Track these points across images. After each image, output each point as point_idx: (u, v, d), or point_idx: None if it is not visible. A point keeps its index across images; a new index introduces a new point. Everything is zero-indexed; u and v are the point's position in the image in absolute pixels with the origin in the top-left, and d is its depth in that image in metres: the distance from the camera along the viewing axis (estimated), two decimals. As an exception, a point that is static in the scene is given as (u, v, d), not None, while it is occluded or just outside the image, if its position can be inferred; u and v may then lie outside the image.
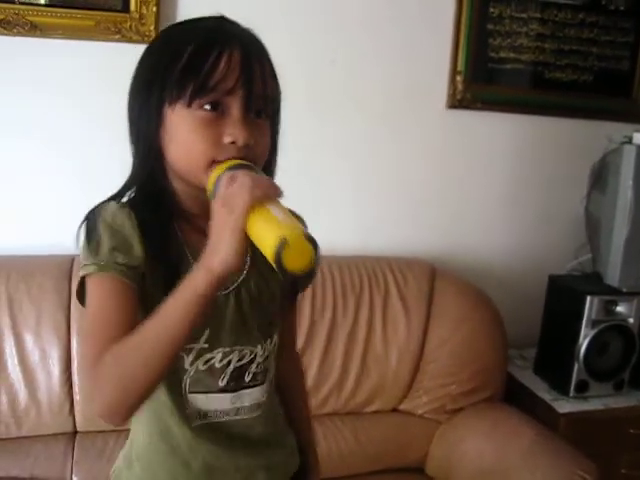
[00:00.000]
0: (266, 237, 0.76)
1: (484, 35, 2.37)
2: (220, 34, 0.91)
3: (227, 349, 0.97)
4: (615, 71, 2.59)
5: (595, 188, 2.40)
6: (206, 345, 0.94)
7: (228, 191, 0.79)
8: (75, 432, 1.84)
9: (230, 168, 0.84)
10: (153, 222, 0.91)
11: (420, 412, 2.07)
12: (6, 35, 1.87)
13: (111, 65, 1.93)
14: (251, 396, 1.01)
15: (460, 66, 2.34)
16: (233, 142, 0.87)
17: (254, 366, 1.00)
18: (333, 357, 2.01)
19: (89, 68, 1.95)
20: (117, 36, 1.89)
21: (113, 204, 0.92)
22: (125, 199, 0.96)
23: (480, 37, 2.36)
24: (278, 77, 0.95)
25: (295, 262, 0.75)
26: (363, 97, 2.24)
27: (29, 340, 1.80)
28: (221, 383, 0.98)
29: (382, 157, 2.32)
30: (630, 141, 2.25)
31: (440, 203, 2.41)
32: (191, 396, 0.97)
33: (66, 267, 1.85)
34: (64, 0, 1.85)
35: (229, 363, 0.97)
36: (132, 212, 0.90)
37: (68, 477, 1.76)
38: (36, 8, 1.84)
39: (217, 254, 0.78)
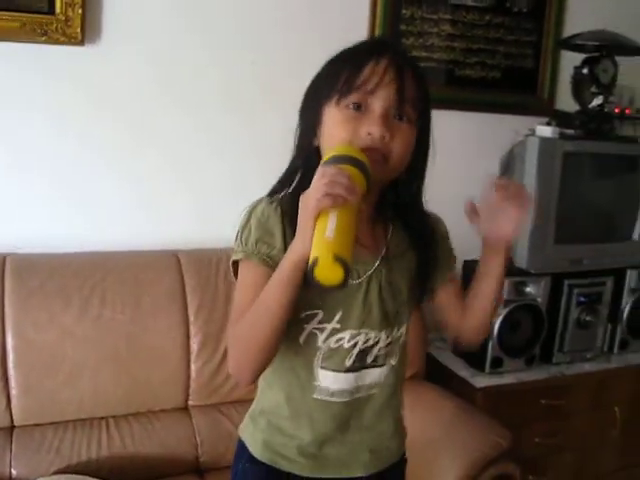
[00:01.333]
0: (312, 247, 0.88)
1: (397, 35, 2.49)
2: (373, 45, 1.07)
3: (355, 331, 1.08)
4: (520, 68, 2.77)
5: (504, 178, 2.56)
6: (338, 325, 1.07)
7: (309, 188, 0.91)
8: (13, 426, 1.86)
9: (335, 158, 0.94)
10: (295, 215, 0.97)
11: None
12: None
13: (38, 66, 1.97)
14: (371, 376, 1.13)
15: (376, 65, 2.46)
16: (370, 134, 0.99)
17: (376, 349, 1.11)
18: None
19: (16, 69, 1.97)
20: (43, 38, 1.91)
21: (265, 200, 1.06)
22: (283, 193, 1.08)
23: (394, 37, 2.47)
24: (427, 90, 1.07)
25: (324, 279, 0.87)
26: (283, 97, 2.33)
27: (-38, 337, 1.82)
28: (348, 362, 1.09)
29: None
30: (534, 133, 2.42)
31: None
32: (322, 372, 1.10)
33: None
34: (-11, 2, 1.86)
35: (356, 345, 1.09)
36: (279, 207, 1.04)
37: (7, 471, 1.78)
38: (-40, 10, 1.85)
39: (295, 242, 0.93)
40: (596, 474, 2.71)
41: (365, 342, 1.10)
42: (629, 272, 2.63)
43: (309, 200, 0.90)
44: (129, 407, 1.97)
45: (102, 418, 1.93)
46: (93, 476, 1.78)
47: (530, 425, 2.42)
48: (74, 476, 1.76)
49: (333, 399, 1.11)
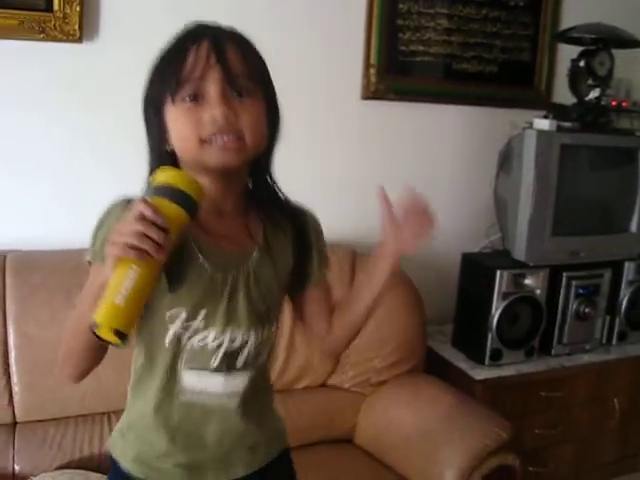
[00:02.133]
0: (100, 303, 0.84)
1: (394, 30, 2.51)
2: (189, 34, 1.01)
3: (219, 329, 1.03)
4: (517, 62, 2.78)
5: (502, 171, 2.58)
6: (202, 323, 1.02)
7: (121, 225, 0.85)
8: (15, 423, 1.87)
9: (158, 188, 0.88)
10: None
11: (347, 386, 2.20)
12: None
13: (36, 64, 1.98)
14: (243, 379, 1.08)
15: (373, 59, 2.47)
16: (214, 118, 0.95)
17: (246, 351, 1.06)
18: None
19: (14, 66, 1.97)
20: (41, 35, 1.91)
21: (122, 203, 1.00)
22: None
23: (391, 32, 2.50)
24: (260, 59, 1.04)
25: (105, 337, 0.84)
26: (280, 91, 2.34)
27: (-36, 334, 1.82)
28: (214, 363, 1.04)
29: (300, 147, 2.41)
30: (531, 126, 2.43)
31: (357, 189, 2.52)
32: (185, 373, 1.05)
33: (0, 262, 1.89)
34: (-13, 0, 1.86)
35: (221, 345, 1.04)
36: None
37: (10, 466, 1.79)
38: (-42, 7, 1.85)
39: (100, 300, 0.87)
40: (596, 464, 2.73)
41: (232, 342, 1.04)
42: (627, 264, 2.65)
43: (114, 242, 0.84)
44: (131, 402, 1.98)
45: (104, 413, 1.94)
46: (95, 471, 1.79)
47: (530, 417, 2.44)
48: (76, 471, 1.78)
49: (201, 399, 1.06)
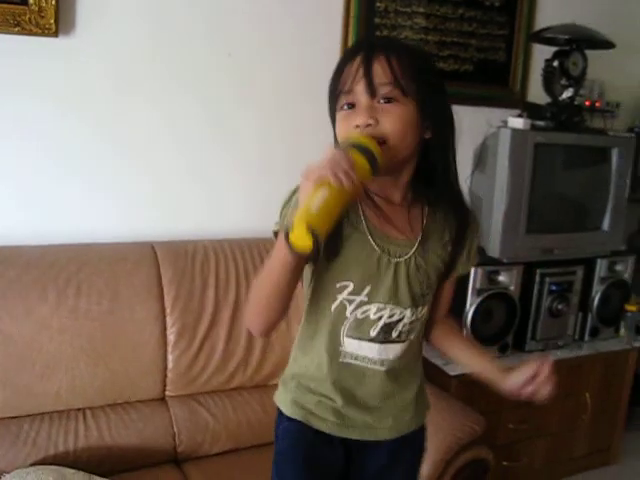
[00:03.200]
0: (296, 212, 0.99)
1: (372, 28, 2.52)
2: (351, 48, 1.20)
3: (381, 305, 1.18)
4: (492, 61, 2.82)
5: (477, 169, 2.60)
6: (366, 298, 1.18)
7: (315, 162, 1.01)
8: (-12, 419, 1.86)
9: (348, 144, 1.05)
10: None
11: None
12: None
13: (11, 57, 1.96)
14: (395, 350, 1.23)
15: (350, 57, 2.48)
16: (357, 125, 1.10)
17: (401, 325, 1.21)
18: (238, 335, 2.11)
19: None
20: (17, 29, 1.89)
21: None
22: None
23: (368, 30, 2.51)
24: (413, 65, 1.12)
25: (296, 244, 0.97)
26: (259, 90, 2.34)
27: None
28: (372, 333, 1.20)
29: (279, 147, 2.42)
30: (506, 125, 2.47)
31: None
32: (347, 339, 1.20)
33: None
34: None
35: (381, 317, 1.19)
36: None
37: (-17, 463, 1.78)
38: None
39: (295, 212, 1.01)
40: (568, 458, 2.78)
41: (390, 316, 1.19)
42: (599, 261, 2.69)
43: (310, 172, 1.00)
44: (106, 398, 1.97)
45: (79, 409, 1.94)
46: (70, 467, 1.78)
47: (503, 412, 2.47)
48: (51, 467, 1.76)
49: (357, 362, 1.22)
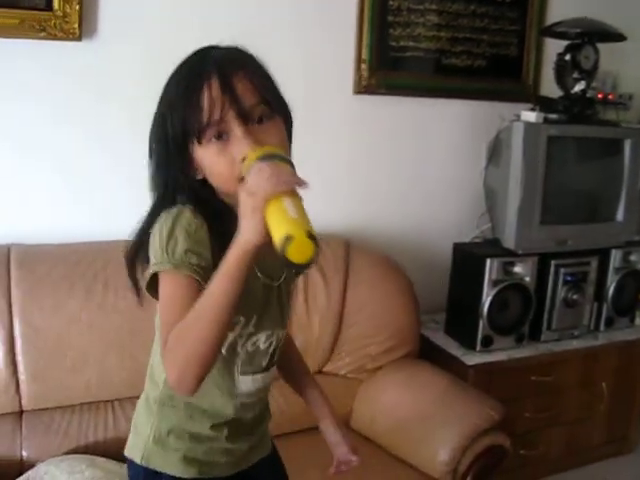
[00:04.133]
0: (277, 229, 0.87)
1: (385, 26, 2.57)
2: (196, 69, 1.03)
3: (269, 332, 1.13)
4: (505, 56, 2.85)
5: (491, 163, 2.64)
6: (253, 329, 1.10)
7: (253, 181, 0.90)
8: (22, 411, 1.91)
9: (261, 158, 0.94)
10: (219, 231, 1.01)
11: (343, 372, 2.26)
12: None
13: (37, 61, 2.03)
14: (273, 374, 1.21)
15: (364, 55, 2.53)
16: (244, 158, 0.97)
17: (278, 349, 1.18)
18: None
19: (15, 64, 2.01)
20: (42, 34, 1.96)
21: (188, 211, 1.02)
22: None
23: (382, 28, 2.56)
24: (268, 78, 1.07)
25: (298, 256, 0.86)
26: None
27: (-29, 325, 1.88)
28: (264, 362, 1.16)
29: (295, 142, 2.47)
30: (519, 118, 2.50)
31: (351, 182, 2.59)
32: (242, 377, 1.14)
33: (4, 255, 1.94)
34: (-13, 0, 1.91)
35: (270, 344, 1.15)
36: (203, 219, 1.02)
37: (18, 453, 1.84)
38: (-41, 8, 1.89)
39: (242, 233, 0.90)
40: (585, 447, 2.80)
41: (278, 342, 1.17)
42: (613, 252, 2.72)
43: (258, 188, 0.89)
44: (134, 390, 1.99)
45: (108, 401, 2.00)
46: (101, 456, 1.84)
47: (520, 401, 2.51)
48: (83, 456, 1.83)
49: (250, 400, 1.17)
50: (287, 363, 1.35)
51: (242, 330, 1.09)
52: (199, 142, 1.01)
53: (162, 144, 1.05)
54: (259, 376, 1.16)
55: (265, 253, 0.99)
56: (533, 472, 2.63)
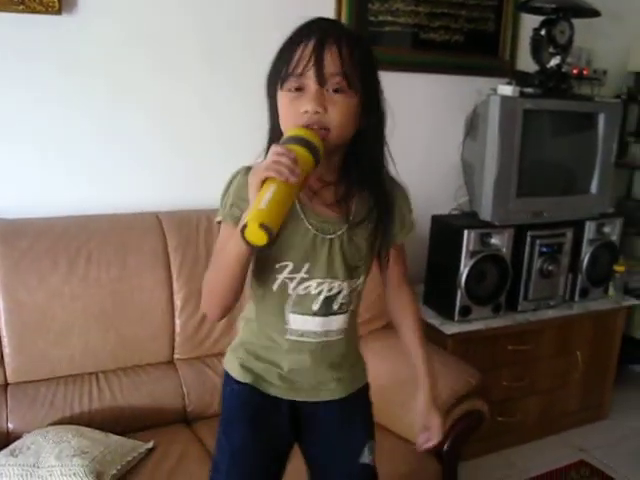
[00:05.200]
0: (248, 212, 1.03)
1: (364, 1, 2.58)
2: (302, 31, 1.17)
3: (320, 280, 1.24)
4: (482, 31, 2.88)
5: (469, 137, 2.68)
6: (306, 275, 1.24)
7: (265, 159, 1.07)
8: (7, 384, 1.94)
9: (288, 138, 1.10)
10: None
11: (324, 342, 2.29)
12: None
13: (16, 36, 2.02)
14: (337, 322, 1.30)
15: (343, 30, 2.54)
16: (306, 111, 1.12)
17: (340, 297, 1.27)
18: (242, 299, 2.19)
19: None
20: (21, 7, 1.95)
21: (243, 170, 1.19)
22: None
23: (360, 2, 2.57)
24: (363, 58, 1.16)
25: (252, 239, 1.01)
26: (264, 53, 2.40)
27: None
28: (315, 307, 1.27)
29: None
30: (495, 92, 2.54)
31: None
32: (292, 316, 1.27)
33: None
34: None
35: (321, 292, 1.26)
36: None
37: (4, 425, 1.87)
38: None
39: (247, 210, 1.06)
40: (560, 414, 2.88)
41: (330, 290, 1.26)
42: (588, 224, 2.78)
43: (259, 169, 1.05)
44: (117, 362, 2.06)
45: (92, 373, 2.02)
46: (86, 427, 1.87)
47: (498, 369, 2.58)
48: (68, 426, 1.85)
49: (303, 339, 1.29)
50: (396, 313, 1.47)
51: (292, 274, 1.23)
52: (282, 87, 1.15)
53: (267, 89, 1.21)
54: (310, 318, 1.27)
55: (320, 209, 1.22)
56: (511, 439, 2.71)
